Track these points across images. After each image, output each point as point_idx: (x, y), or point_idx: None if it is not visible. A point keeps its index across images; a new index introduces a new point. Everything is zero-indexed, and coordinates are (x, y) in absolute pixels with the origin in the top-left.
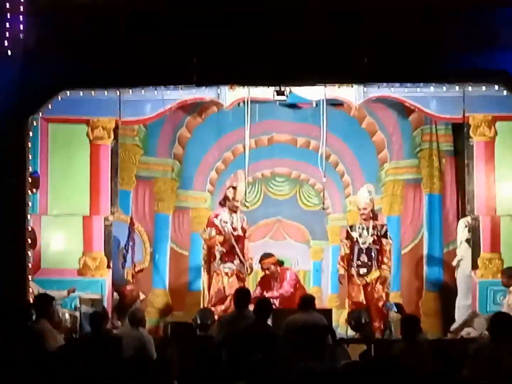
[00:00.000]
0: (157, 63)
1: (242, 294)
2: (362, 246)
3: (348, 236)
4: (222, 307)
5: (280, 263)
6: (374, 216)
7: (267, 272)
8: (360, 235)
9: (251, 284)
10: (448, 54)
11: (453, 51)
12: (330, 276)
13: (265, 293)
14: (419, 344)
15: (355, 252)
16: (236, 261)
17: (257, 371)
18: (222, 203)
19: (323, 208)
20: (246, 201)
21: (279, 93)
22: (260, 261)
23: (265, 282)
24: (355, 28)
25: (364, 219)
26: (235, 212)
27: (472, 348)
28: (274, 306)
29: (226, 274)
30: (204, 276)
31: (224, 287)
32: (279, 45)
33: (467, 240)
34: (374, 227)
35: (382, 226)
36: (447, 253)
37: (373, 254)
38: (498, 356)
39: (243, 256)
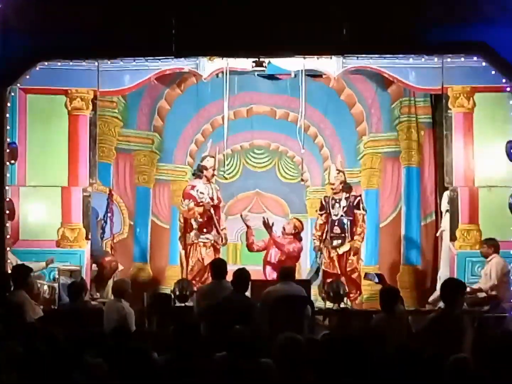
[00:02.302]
0: (136, 33)
1: (218, 265)
2: (334, 218)
3: (322, 208)
4: (202, 278)
5: (299, 237)
6: (345, 188)
7: (286, 227)
8: (332, 207)
9: (225, 255)
10: (428, 25)
11: (433, 22)
12: (309, 249)
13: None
14: (397, 315)
15: (329, 224)
16: (213, 232)
17: (235, 342)
18: (198, 174)
19: (302, 180)
20: (224, 172)
21: (258, 64)
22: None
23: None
24: None
25: (335, 193)
26: (210, 182)
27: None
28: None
29: (204, 245)
30: (180, 248)
31: (203, 258)
32: (258, 16)
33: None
34: (346, 199)
35: (356, 197)
36: (425, 226)
37: (345, 226)
38: (443, 321)
39: (219, 226)
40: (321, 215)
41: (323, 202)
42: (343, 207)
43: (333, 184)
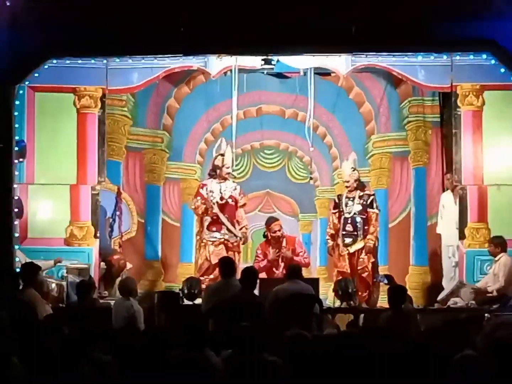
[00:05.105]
0: (145, 31)
1: (226, 263)
2: (347, 215)
3: (336, 206)
4: (211, 276)
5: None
6: (359, 186)
7: (277, 234)
8: (346, 205)
9: (245, 254)
10: (436, 22)
11: (441, 20)
12: (319, 248)
13: (295, 257)
14: (405, 314)
15: (342, 222)
16: (223, 230)
17: (243, 340)
18: (212, 174)
19: (311, 178)
20: (233, 171)
21: (267, 62)
22: (268, 225)
23: (270, 246)
24: None
25: (349, 191)
26: (226, 180)
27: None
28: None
29: (212, 243)
30: (196, 246)
31: (210, 256)
32: (267, 13)
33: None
34: (360, 197)
35: (369, 195)
36: (431, 226)
37: (358, 224)
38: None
39: (232, 225)
40: (334, 213)
41: (337, 200)
42: (357, 204)
43: (348, 181)
